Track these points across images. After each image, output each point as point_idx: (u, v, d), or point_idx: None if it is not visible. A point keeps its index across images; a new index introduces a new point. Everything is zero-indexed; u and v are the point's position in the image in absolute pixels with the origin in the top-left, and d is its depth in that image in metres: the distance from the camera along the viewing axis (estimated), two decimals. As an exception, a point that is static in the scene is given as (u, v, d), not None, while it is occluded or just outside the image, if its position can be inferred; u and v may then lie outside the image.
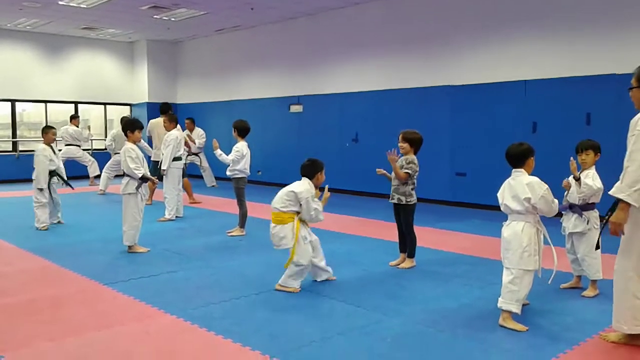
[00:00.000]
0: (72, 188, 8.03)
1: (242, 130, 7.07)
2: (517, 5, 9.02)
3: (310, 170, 4.87)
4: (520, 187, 3.92)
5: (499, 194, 4.10)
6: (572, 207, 4.65)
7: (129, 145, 6.13)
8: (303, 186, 4.77)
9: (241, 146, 7.01)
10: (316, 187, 4.87)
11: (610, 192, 3.39)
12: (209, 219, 8.47)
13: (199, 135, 11.98)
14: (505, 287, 3.93)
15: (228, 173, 7.12)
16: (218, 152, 6.93)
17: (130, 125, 6.17)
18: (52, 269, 5.48)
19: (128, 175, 6.07)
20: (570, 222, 4.68)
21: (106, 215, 8.82)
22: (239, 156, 6.96)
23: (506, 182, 4.07)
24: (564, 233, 4.78)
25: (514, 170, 4.05)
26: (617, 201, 3.37)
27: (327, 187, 5.05)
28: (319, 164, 4.91)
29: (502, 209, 4.08)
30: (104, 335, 3.73)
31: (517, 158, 4.04)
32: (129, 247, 6.17)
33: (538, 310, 4.24)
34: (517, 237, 3.91)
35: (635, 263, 3.45)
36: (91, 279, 5.06)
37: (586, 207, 4.58)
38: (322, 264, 5.02)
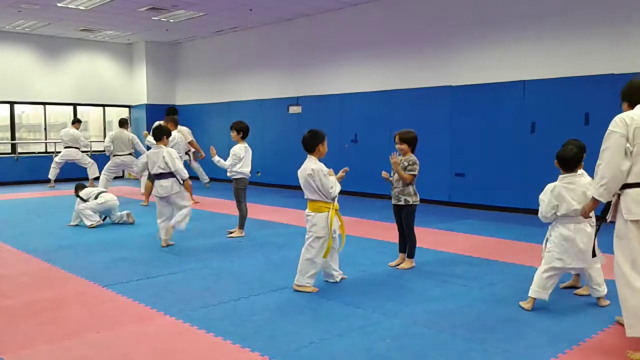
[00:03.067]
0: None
1: (245, 131, 7.09)
2: (516, 5, 9.03)
3: (310, 142, 4.82)
4: (585, 188, 4.13)
5: (555, 200, 4.21)
6: None
7: (168, 148, 6.58)
8: (311, 165, 4.72)
9: (238, 149, 7.01)
10: (321, 156, 4.85)
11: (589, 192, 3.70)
12: (209, 220, 8.46)
13: (188, 132, 11.86)
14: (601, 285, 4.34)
15: (228, 174, 7.13)
16: (216, 158, 6.95)
17: (165, 132, 6.69)
18: (52, 271, 5.48)
19: (173, 176, 6.46)
20: None
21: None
22: (236, 160, 6.98)
23: (559, 186, 4.21)
24: None
25: (569, 174, 4.22)
26: (608, 203, 3.61)
27: (346, 168, 5.07)
28: (320, 135, 4.85)
29: (561, 213, 4.18)
30: (103, 337, 3.73)
31: (573, 162, 4.23)
32: (165, 240, 6.50)
33: (538, 310, 4.24)
34: (590, 236, 4.17)
35: (629, 264, 3.45)
36: (90, 281, 5.06)
37: None
38: (335, 265, 5.06)
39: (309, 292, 4.69)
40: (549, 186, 4.29)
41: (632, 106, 3.60)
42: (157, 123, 10.13)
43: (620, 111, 3.70)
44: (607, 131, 3.49)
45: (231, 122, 7.28)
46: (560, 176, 4.26)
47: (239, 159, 6.99)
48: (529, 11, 8.88)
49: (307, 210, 4.81)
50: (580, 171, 4.64)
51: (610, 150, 3.44)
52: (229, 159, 7.00)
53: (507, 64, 9.17)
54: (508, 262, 5.77)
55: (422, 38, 10.27)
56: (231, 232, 7.24)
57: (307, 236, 4.79)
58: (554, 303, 4.43)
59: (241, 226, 7.21)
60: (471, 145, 9.61)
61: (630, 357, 3.42)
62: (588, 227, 4.16)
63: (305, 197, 4.81)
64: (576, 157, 4.23)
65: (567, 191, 4.16)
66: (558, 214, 4.21)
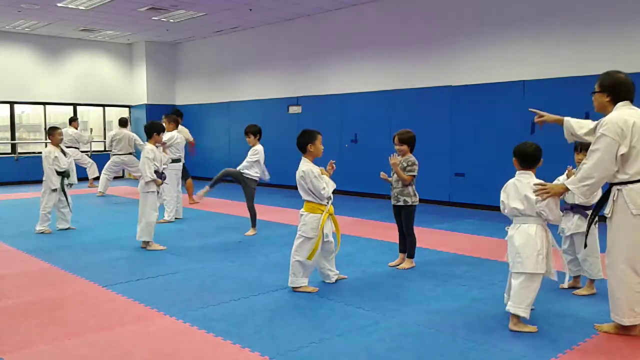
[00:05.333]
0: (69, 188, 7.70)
1: (261, 134, 7.30)
2: (516, 5, 9.03)
3: (301, 141, 4.81)
4: (529, 189, 3.79)
5: (502, 197, 3.97)
6: (573, 208, 4.64)
7: (148, 146, 6.41)
8: (303, 167, 4.73)
9: (262, 150, 7.25)
10: (316, 156, 4.82)
11: (565, 182, 3.74)
12: (208, 220, 8.46)
13: (187, 133, 11.80)
14: (515, 291, 3.83)
15: (246, 171, 7.20)
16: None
17: (156, 128, 6.52)
18: (52, 271, 5.48)
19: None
20: (572, 223, 4.64)
21: (105, 217, 8.82)
22: (257, 157, 7.17)
23: (510, 183, 3.94)
24: (562, 234, 4.77)
25: (521, 171, 3.92)
26: (599, 202, 3.79)
27: (332, 161, 4.98)
28: (311, 134, 4.81)
29: (506, 211, 3.96)
30: (103, 336, 3.73)
31: (531, 158, 3.90)
32: (147, 243, 6.37)
33: (537, 310, 4.22)
34: (531, 240, 3.79)
35: (625, 257, 3.62)
36: (90, 281, 5.06)
37: (589, 207, 4.54)
38: (331, 265, 5.02)
39: (309, 292, 4.69)
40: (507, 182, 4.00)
41: (613, 101, 3.72)
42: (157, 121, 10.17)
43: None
44: (599, 133, 3.60)
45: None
46: (517, 172, 3.96)
47: (261, 156, 7.24)
48: (529, 11, 8.88)
49: (301, 209, 4.81)
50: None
51: (600, 152, 3.55)
52: (253, 157, 7.14)
53: (507, 64, 9.16)
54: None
55: (422, 38, 10.27)
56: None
57: (296, 236, 4.78)
58: (554, 303, 4.43)
59: (253, 224, 7.37)
60: (471, 145, 9.61)
61: (599, 329, 3.79)
62: (531, 229, 3.79)
63: (303, 198, 4.82)
64: (535, 153, 3.90)
65: (515, 188, 3.87)
66: (505, 211, 3.97)
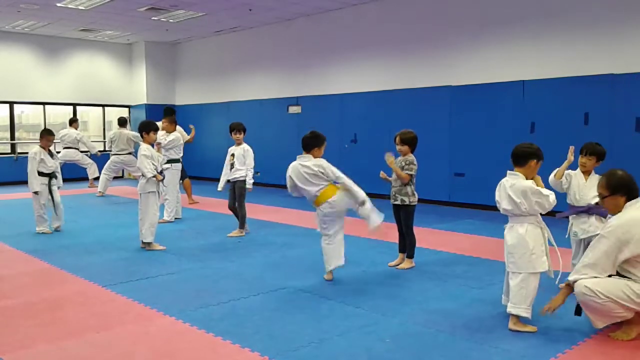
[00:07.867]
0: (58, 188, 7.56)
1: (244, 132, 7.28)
2: (516, 5, 9.03)
3: (310, 142, 4.92)
4: (514, 191, 3.79)
5: (497, 196, 3.98)
6: (590, 210, 4.54)
7: (144, 145, 6.31)
8: (313, 162, 4.85)
9: (251, 150, 7.21)
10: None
11: (569, 279, 3.80)
12: (208, 220, 8.46)
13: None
14: (514, 292, 3.82)
15: (235, 176, 7.14)
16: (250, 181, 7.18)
17: (146, 127, 6.36)
18: (51, 271, 5.47)
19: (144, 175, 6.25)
20: (589, 225, 4.55)
21: (105, 217, 8.82)
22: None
23: (501, 183, 3.94)
24: (575, 237, 4.69)
25: (511, 171, 3.92)
26: None
27: None
28: (322, 139, 4.97)
29: (501, 211, 3.98)
30: (103, 336, 3.73)
31: (516, 157, 3.89)
32: (148, 244, 6.31)
33: (537, 310, 4.23)
34: (522, 240, 3.79)
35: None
36: (90, 281, 5.06)
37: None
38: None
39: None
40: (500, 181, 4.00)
41: (630, 198, 3.66)
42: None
43: (623, 108, 3.78)
44: (605, 232, 3.64)
45: (231, 123, 7.33)
46: (507, 172, 3.96)
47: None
48: (529, 11, 8.88)
49: (324, 203, 4.86)
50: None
51: (599, 251, 3.61)
52: (248, 161, 7.11)
53: (507, 64, 9.17)
54: (508, 262, 5.77)
55: (422, 38, 10.27)
56: (232, 233, 7.28)
57: (334, 225, 4.96)
58: (553, 303, 4.42)
59: (241, 226, 7.26)
60: (471, 145, 9.61)
61: (615, 337, 3.68)
62: (522, 229, 3.79)
63: (306, 194, 4.85)
64: (519, 152, 3.87)
65: (503, 189, 3.88)
66: (500, 210, 3.97)
